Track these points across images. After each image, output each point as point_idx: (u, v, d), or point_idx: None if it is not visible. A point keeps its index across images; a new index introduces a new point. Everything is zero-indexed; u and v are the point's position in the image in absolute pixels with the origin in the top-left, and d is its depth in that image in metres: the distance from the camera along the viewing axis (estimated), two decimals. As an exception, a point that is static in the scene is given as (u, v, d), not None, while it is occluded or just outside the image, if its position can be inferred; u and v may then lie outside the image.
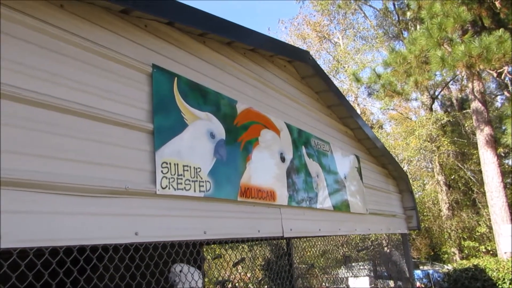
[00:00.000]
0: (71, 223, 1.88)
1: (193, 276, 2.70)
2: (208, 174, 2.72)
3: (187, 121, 2.66)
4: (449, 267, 11.62)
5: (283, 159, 3.70)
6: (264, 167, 3.39)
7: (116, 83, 2.29)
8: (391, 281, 7.27)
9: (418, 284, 13.36)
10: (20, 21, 1.86)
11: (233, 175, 2.98)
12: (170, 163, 2.44)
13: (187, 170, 2.56)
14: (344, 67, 25.51)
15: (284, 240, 7.60)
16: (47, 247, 1.77)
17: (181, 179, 2.50)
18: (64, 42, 2.07)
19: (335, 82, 26.96)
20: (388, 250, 7.70)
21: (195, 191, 2.58)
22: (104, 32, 2.31)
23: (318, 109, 4.84)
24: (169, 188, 2.40)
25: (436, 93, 23.14)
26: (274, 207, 3.43)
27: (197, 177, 2.62)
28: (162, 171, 2.38)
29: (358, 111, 26.74)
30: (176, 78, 2.67)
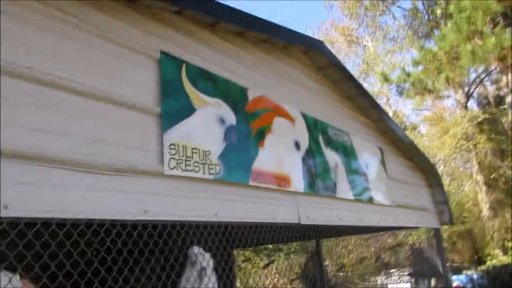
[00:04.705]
0: (80, 196, 1.96)
1: (204, 257, 2.75)
2: (218, 158, 2.77)
3: (195, 106, 2.72)
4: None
5: (298, 147, 3.70)
6: (278, 154, 3.41)
7: (127, 69, 2.39)
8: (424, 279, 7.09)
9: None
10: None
11: (244, 160, 3.01)
12: (178, 145, 2.51)
13: (196, 153, 2.61)
14: (373, 69, 25.16)
15: (313, 242, 7.54)
16: (57, 218, 1.86)
17: (190, 161, 2.55)
18: (81, 31, 2.19)
19: (365, 86, 26.66)
20: (422, 246, 7.52)
21: (204, 173, 2.63)
22: (115, 20, 2.41)
23: (337, 100, 4.82)
24: (177, 169, 2.45)
25: (471, 91, 22.42)
26: (289, 194, 3.43)
27: (206, 160, 2.67)
28: (170, 153, 2.44)
29: (391, 114, 26.31)
30: (184, 64, 2.74)
